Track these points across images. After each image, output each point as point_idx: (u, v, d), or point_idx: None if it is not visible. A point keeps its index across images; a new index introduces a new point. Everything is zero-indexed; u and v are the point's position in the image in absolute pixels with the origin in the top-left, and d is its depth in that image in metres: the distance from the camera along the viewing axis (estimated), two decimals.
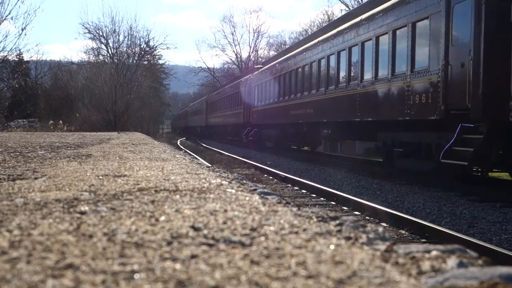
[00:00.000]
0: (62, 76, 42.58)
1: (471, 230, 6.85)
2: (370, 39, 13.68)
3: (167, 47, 62.27)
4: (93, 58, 42.33)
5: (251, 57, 68.02)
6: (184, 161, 4.38)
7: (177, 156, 5.12)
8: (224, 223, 1.57)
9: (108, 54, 42.38)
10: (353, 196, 8.97)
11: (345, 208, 8.46)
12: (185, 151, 16.10)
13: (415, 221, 6.76)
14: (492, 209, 8.17)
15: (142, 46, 46.55)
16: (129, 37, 40.62)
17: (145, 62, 48.26)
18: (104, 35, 43.30)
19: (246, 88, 30.35)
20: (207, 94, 56.16)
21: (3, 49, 21.30)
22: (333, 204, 8.86)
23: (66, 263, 1.12)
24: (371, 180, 12.25)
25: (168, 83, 63.06)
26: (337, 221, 1.57)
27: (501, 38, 8.81)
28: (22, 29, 20.82)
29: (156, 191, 2.32)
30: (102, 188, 2.43)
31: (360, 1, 37.42)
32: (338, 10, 55.86)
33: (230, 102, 35.29)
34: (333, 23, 21.96)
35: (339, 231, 1.45)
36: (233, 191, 2.33)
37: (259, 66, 33.42)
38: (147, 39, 47.99)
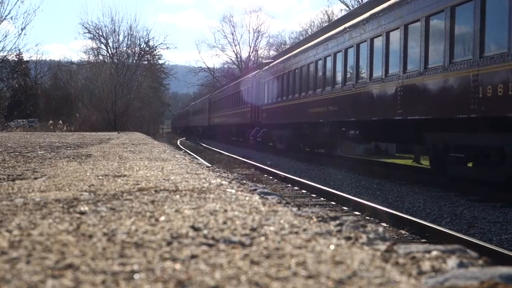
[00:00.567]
0: (62, 76, 42.64)
1: (471, 230, 6.85)
2: (418, 20, 11.16)
3: (167, 47, 62.34)
4: (93, 58, 42.36)
5: (251, 57, 68.10)
6: (184, 161, 4.38)
7: (177, 156, 5.12)
8: (224, 223, 1.57)
9: (108, 54, 42.38)
10: (353, 196, 8.97)
11: (345, 208, 8.46)
12: (185, 151, 16.11)
13: (415, 221, 6.75)
14: (492, 209, 8.17)
15: (142, 46, 46.58)
16: (129, 37, 40.62)
17: (145, 62, 48.27)
18: (104, 35, 43.32)
19: (254, 85, 28.11)
20: (208, 93, 55.80)
21: (2, 49, 21.34)
22: (333, 204, 8.86)
23: (66, 263, 1.12)
24: (371, 180, 12.26)
25: (168, 83, 63.07)
26: (337, 221, 1.57)
27: None
28: (22, 29, 20.89)
29: (156, 191, 2.32)
30: (102, 188, 2.43)
31: (360, 1, 37.44)
32: (338, 10, 55.92)
33: (236, 101, 33.01)
34: (357, 10, 18.44)
35: (339, 231, 1.45)
36: (233, 191, 2.33)
37: (269, 60, 29.95)
38: (147, 39, 48.01)
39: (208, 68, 70.63)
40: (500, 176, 8.94)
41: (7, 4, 22.55)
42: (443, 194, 9.88)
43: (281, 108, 22.42)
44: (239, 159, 18.62)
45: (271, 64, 25.98)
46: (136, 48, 43.28)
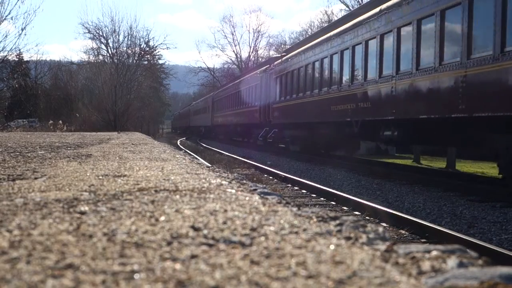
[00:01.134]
0: (62, 76, 42.65)
1: (471, 230, 6.85)
2: None
3: (167, 47, 62.25)
4: (93, 58, 42.36)
5: (251, 57, 68.13)
6: (184, 161, 4.38)
7: (177, 156, 5.12)
8: (224, 223, 1.57)
9: (108, 54, 42.36)
10: (353, 196, 8.97)
11: (345, 208, 8.46)
12: (185, 151, 16.11)
13: (415, 221, 6.76)
14: (492, 209, 8.17)
15: (142, 46, 46.53)
16: (129, 37, 40.57)
17: (145, 62, 48.25)
18: (104, 35, 43.31)
19: (264, 81, 25.85)
20: (209, 93, 55.46)
21: (3, 49, 21.31)
22: (333, 204, 8.86)
23: (66, 263, 1.12)
24: (371, 180, 12.26)
25: (168, 83, 63.05)
26: (337, 221, 1.57)
27: None
28: (22, 29, 20.83)
29: (156, 191, 2.32)
30: (102, 188, 2.43)
31: (360, 1, 37.42)
32: (338, 10, 55.91)
33: (242, 99, 30.64)
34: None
35: (339, 231, 1.45)
36: (233, 191, 2.33)
37: (282, 54, 27.22)
38: (147, 39, 47.95)
39: (208, 68, 70.73)
40: None
41: (7, 4, 22.57)
42: (443, 194, 9.88)
43: (296, 106, 20.05)
44: (239, 159, 18.63)
45: (284, 58, 23.32)
46: (136, 48, 43.27)
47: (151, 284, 0.98)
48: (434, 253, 1.19)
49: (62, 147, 6.65)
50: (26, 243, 1.30)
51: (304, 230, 1.47)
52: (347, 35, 15.44)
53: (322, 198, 9.52)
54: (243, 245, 1.30)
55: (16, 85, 33.77)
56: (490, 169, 16.54)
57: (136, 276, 1.03)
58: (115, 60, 37.13)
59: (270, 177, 13.25)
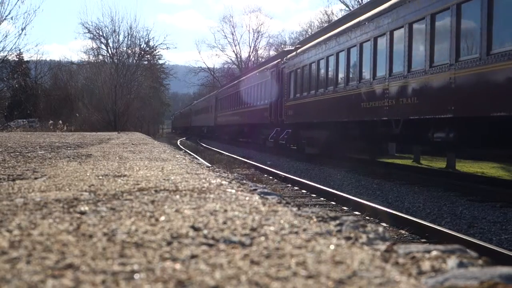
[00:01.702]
0: (62, 76, 42.61)
1: (471, 230, 6.85)
2: None
3: (167, 47, 62.32)
4: (93, 58, 42.39)
5: (251, 57, 68.19)
6: (184, 161, 4.38)
7: (177, 156, 5.12)
8: (224, 223, 1.57)
9: (108, 54, 42.39)
10: (353, 196, 8.97)
11: (345, 208, 8.46)
12: (185, 151, 16.11)
13: (415, 221, 6.76)
14: (492, 209, 8.17)
15: (142, 46, 46.57)
16: (129, 37, 40.59)
17: (145, 62, 48.29)
18: (104, 35, 43.33)
19: (274, 77, 23.46)
20: (209, 93, 55.15)
21: (3, 49, 21.33)
22: (333, 204, 8.86)
23: (66, 263, 1.12)
24: (371, 180, 12.26)
25: (168, 83, 63.04)
26: (337, 221, 1.57)
27: None
28: (22, 29, 20.88)
29: (156, 191, 2.32)
30: (102, 188, 2.43)
31: (360, 1, 37.42)
32: (337, 10, 55.93)
33: (250, 97, 28.02)
34: None
35: (339, 231, 1.45)
36: (233, 191, 2.33)
37: (297, 46, 24.24)
38: (147, 39, 48.00)
39: (208, 68, 70.81)
40: None
41: (7, 5, 22.61)
42: (443, 194, 9.88)
43: (315, 104, 17.71)
44: (239, 159, 18.63)
45: (299, 50, 20.62)
46: (136, 48, 43.31)
47: (151, 284, 0.98)
48: (434, 253, 1.19)
49: (62, 147, 6.65)
50: (26, 243, 1.30)
51: (304, 230, 1.47)
52: (384, 17, 12.80)
53: (322, 198, 9.52)
54: (243, 245, 1.30)
55: (16, 85, 33.78)
56: (490, 169, 16.55)
57: (136, 276, 1.03)
58: (115, 60, 37.15)
59: (270, 177, 13.25)
